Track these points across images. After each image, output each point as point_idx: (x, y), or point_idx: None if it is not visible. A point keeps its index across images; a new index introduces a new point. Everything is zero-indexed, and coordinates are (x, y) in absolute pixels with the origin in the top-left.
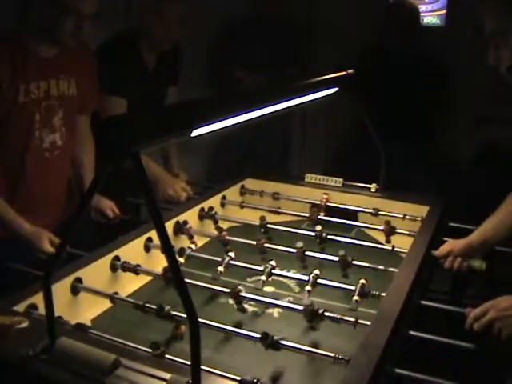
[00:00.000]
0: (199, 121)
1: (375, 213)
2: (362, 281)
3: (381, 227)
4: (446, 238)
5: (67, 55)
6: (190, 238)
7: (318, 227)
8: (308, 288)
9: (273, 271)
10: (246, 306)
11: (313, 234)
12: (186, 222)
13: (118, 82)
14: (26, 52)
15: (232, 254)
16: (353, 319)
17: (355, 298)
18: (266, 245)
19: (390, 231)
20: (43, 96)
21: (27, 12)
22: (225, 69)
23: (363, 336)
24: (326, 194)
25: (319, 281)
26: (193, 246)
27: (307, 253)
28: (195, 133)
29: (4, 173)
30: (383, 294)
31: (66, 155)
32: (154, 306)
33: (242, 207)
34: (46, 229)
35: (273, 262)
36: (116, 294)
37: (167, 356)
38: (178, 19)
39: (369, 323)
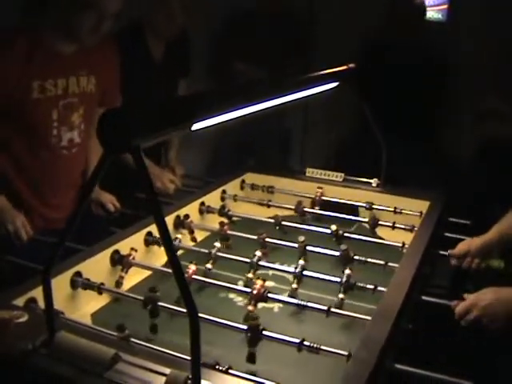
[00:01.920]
0: (200, 114)
1: (375, 208)
2: (348, 271)
3: (387, 223)
4: (447, 234)
5: (87, 51)
6: (191, 232)
7: (333, 227)
8: (293, 282)
9: (259, 263)
10: (246, 301)
11: (323, 230)
12: (187, 216)
13: (125, 74)
14: (42, 48)
15: (218, 244)
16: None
17: (340, 295)
18: (268, 239)
19: (374, 223)
20: (61, 93)
21: (46, 6)
22: (225, 61)
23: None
24: (320, 188)
25: (305, 273)
26: (180, 236)
27: (309, 247)
28: (195, 126)
29: (18, 163)
30: (369, 286)
31: (85, 152)
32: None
33: (241, 201)
34: (56, 221)
35: (258, 253)
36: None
37: (132, 339)
38: (179, 3)
39: (369, 318)
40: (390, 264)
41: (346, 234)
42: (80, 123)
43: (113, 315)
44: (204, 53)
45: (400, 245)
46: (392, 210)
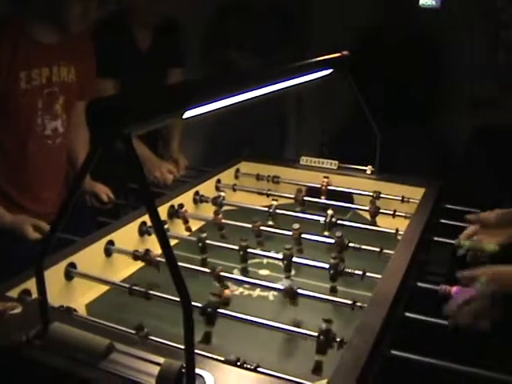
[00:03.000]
0: (191, 102)
1: (370, 195)
2: (333, 261)
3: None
4: (442, 221)
5: (68, 41)
6: (185, 222)
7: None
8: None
9: (248, 250)
10: (241, 289)
11: (316, 217)
12: (181, 206)
13: (110, 64)
14: (27, 38)
15: (205, 234)
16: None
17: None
18: (262, 228)
19: (375, 211)
20: (45, 83)
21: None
22: (217, 50)
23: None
24: (326, 177)
25: (294, 259)
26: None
27: (304, 235)
28: (187, 114)
29: (5, 159)
30: (358, 272)
31: (67, 142)
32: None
33: (236, 190)
34: (46, 216)
35: (244, 243)
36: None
37: (151, 337)
38: None
39: (365, 305)
40: (385, 251)
41: (339, 222)
42: (62, 112)
43: (108, 305)
44: (196, 41)
45: (394, 231)
46: (387, 197)
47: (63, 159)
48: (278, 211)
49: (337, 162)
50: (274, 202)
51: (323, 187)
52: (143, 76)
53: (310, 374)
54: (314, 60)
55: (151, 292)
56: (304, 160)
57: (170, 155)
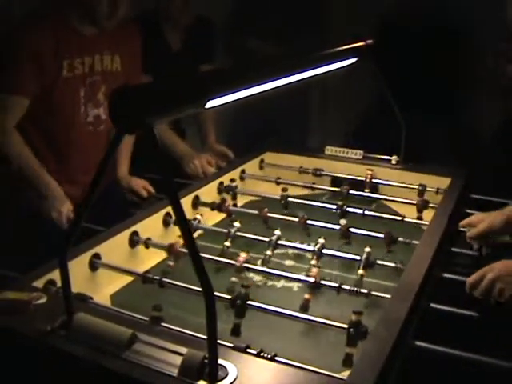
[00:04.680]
0: (214, 92)
1: (396, 185)
2: (367, 249)
3: (413, 201)
4: (468, 211)
5: (112, 32)
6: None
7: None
8: (313, 262)
9: (278, 242)
10: (265, 280)
11: (334, 206)
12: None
13: (146, 62)
14: (68, 29)
15: (237, 224)
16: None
17: (360, 271)
18: (269, 214)
19: (422, 205)
20: (88, 72)
21: None
22: (238, 39)
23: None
24: (370, 169)
25: (324, 251)
26: (199, 216)
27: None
28: (210, 104)
29: (50, 146)
30: (391, 264)
31: (110, 129)
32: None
33: (261, 181)
34: (78, 199)
35: (277, 232)
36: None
37: (166, 325)
38: None
39: (389, 296)
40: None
41: (367, 213)
42: (104, 101)
43: (132, 296)
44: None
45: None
46: (413, 187)
47: (104, 145)
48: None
49: (362, 152)
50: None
51: (367, 179)
52: (173, 75)
53: (341, 367)
54: (337, 49)
55: (174, 282)
56: (329, 150)
57: (208, 147)
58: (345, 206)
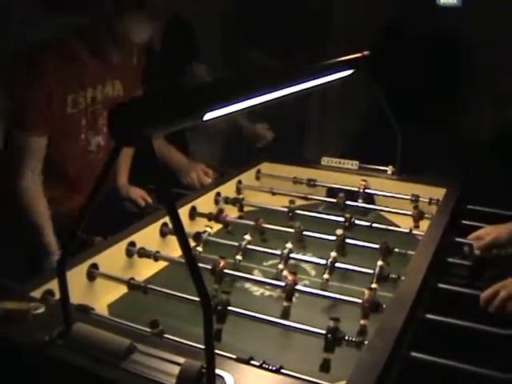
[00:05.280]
0: (211, 104)
1: (391, 196)
2: (380, 263)
3: (409, 212)
4: (464, 222)
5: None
6: (226, 226)
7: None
8: (326, 276)
9: (290, 255)
10: (262, 290)
11: (338, 218)
12: (221, 211)
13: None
14: (76, 62)
15: (248, 237)
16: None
17: (373, 285)
18: (264, 225)
19: (418, 216)
20: (90, 103)
21: (80, 29)
22: (237, 51)
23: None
24: (364, 180)
25: (337, 265)
26: (209, 229)
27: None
28: (208, 116)
29: (54, 176)
30: (403, 278)
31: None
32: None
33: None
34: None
35: (289, 245)
36: (132, 279)
37: (166, 335)
38: None
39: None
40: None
41: (357, 222)
42: (103, 126)
43: (130, 306)
44: (216, 42)
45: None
46: (409, 198)
47: None
48: (305, 213)
49: (357, 162)
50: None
51: (360, 190)
52: (161, 75)
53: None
54: (334, 61)
55: (171, 292)
56: (325, 161)
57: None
58: (353, 219)
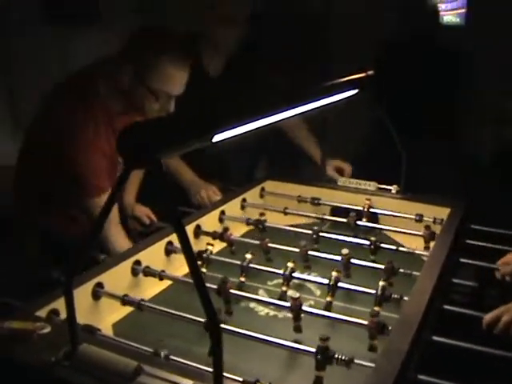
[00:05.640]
0: (219, 127)
1: (397, 215)
2: (382, 283)
3: (418, 232)
4: (469, 241)
5: None
6: (230, 245)
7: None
8: (328, 299)
9: (293, 274)
10: (267, 310)
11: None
12: (226, 229)
13: None
14: (108, 113)
15: (249, 256)
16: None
17: (376, 308)
18: (270, 244)
19: (429, 236)
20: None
21: (114, 80)
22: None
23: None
24: (368, 199)
25: (341, 285)
26: (210, 248)
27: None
28: (216, 138)
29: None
30: (405, 298)
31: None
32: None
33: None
34: None
35: (290, 264)
36: (126, 295)
37: (172, 357)
38: (240, 17)
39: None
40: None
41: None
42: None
43: (135, 326)
44: None
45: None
46: (413, 217)
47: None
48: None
49: (375, 184)
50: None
51: (365, 209)
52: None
53: None
54: (338, 81)
55: (176, 312)
56: (342, 181)
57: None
58: (378, 242)
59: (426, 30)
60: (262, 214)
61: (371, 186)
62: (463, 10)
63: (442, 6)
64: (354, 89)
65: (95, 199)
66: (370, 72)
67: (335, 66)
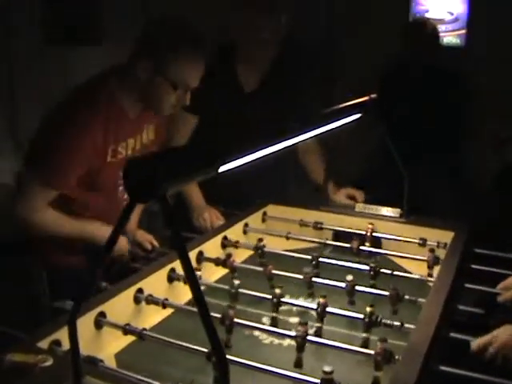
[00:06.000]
0: (225, 160)
1: (400, 239)
2: (369, 308)
3: (422, 257)
4: (473, 266)
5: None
6: (233, 271)
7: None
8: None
9: (281, 300)
10: (271, 338)
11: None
12: (229, 255)
13: (195, 99)
14: (119, 114)
15: (237, 282)
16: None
17: (364, 334)
18: (274, 271)
19: (433, 261)
20: (130, 154)
21: (128, 78)
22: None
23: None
24: (371, 223)
25: (328, 309)
26: (199, 273)
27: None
28: (222, 168)
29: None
30: (396, 323)
31: None
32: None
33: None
34: None
35: (278, 290)
36: (144, 329)
37: None
38: (274, 32)
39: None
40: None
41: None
42: None
43: (137, 355)
44: None
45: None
46: (417, 241)
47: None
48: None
49: (399, 210)
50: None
51: (368, 233)
52: (245, 123)
53: None
54: (341, 106)
55: (178, 342)
56: (359, 207)
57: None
58: (378, 268)
59: (426, 52)
60: (260, 240)
61: (395, 212)
62: (463, 31)
63: (442, 28)
64: (357, 113)
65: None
66: (373, 95)
67: (336, 91)
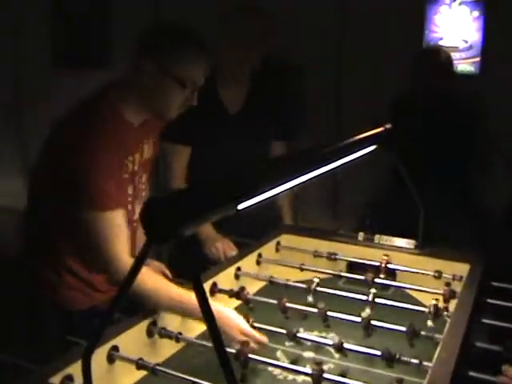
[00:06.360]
0: (244, 197)
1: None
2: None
3: (437, 290)
4: (489, 300)
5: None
6: (247, 303)
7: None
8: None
9: (298, 335)
10: (285, 373)
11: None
12: (243, 288)
13: (181, 129)
14: (124, 125)
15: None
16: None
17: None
18: (288, 304)
19: (449, 295)
20: (137, 169)
21: (129, 87)
22: None
23: None
24: (386, 255)
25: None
26: None
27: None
28: (241, 206)
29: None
30: (414, 361)
31: None
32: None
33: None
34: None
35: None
36: (157, 364)
37: None
38: (256, 48)
39: None
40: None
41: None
42: (143, 190)
43: None
44: None
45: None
46: (432, 274)
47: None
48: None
49: (414, 242)
50: (316, 280)
51: (382, 265)
52: (233, 145)
53: None
54: (357, 138)
55: (167, 370)
56: (378, 238)
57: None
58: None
59: (439, 80)
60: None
61: (409, 244)
62: (478, 59)
63: (456, 55)
64: (373, 144)
65: (98, 212)
66: (387, 126)
67: (347, 122)
